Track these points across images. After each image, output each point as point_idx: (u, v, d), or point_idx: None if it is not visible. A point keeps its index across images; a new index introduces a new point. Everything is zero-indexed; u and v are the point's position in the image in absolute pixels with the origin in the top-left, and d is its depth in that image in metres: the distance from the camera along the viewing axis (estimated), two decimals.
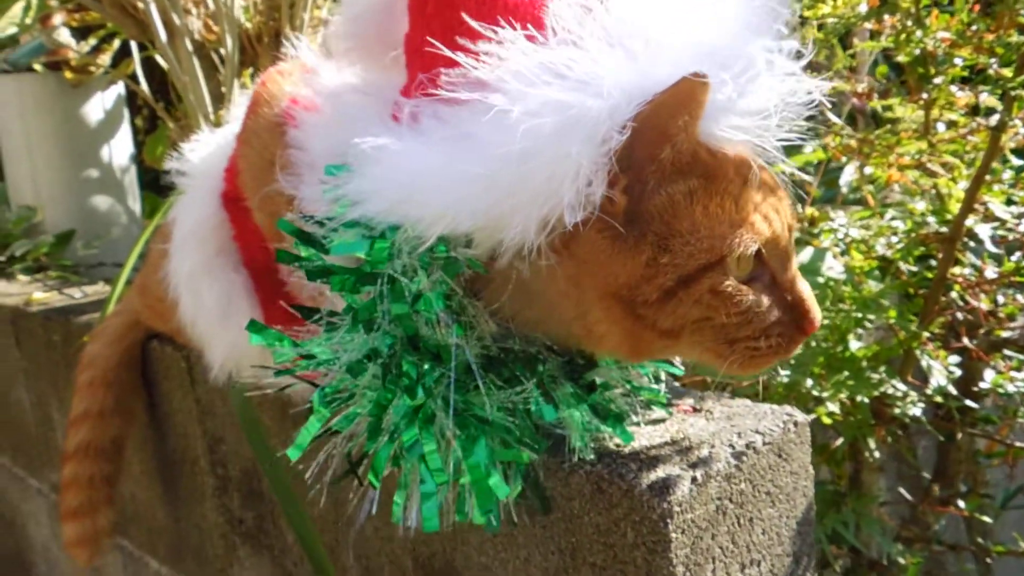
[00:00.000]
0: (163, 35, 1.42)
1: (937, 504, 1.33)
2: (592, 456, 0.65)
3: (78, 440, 1.13)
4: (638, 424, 0.70)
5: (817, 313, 0.61)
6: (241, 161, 0.80)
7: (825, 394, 1.05)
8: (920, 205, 1.18)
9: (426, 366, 0.62)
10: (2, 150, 2.24)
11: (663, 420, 0.72)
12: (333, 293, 0.65)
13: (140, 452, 1.29)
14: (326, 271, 0.64)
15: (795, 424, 0.71)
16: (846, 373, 1.05)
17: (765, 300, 0.60)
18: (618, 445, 0.68)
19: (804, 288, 0.62)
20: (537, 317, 0.64)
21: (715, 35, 0.58)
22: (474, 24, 0.58)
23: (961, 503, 1.22)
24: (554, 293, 0.61)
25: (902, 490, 1.44)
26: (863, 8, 1.04)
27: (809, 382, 1.08)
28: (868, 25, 1.01)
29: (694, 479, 0.63)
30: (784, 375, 1.10)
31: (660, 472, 0.63)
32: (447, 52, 0.59)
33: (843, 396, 1.04)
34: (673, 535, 0.61)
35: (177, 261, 0.86)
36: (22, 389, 1.67)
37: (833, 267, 1.34)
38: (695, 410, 0.74)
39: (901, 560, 1.20)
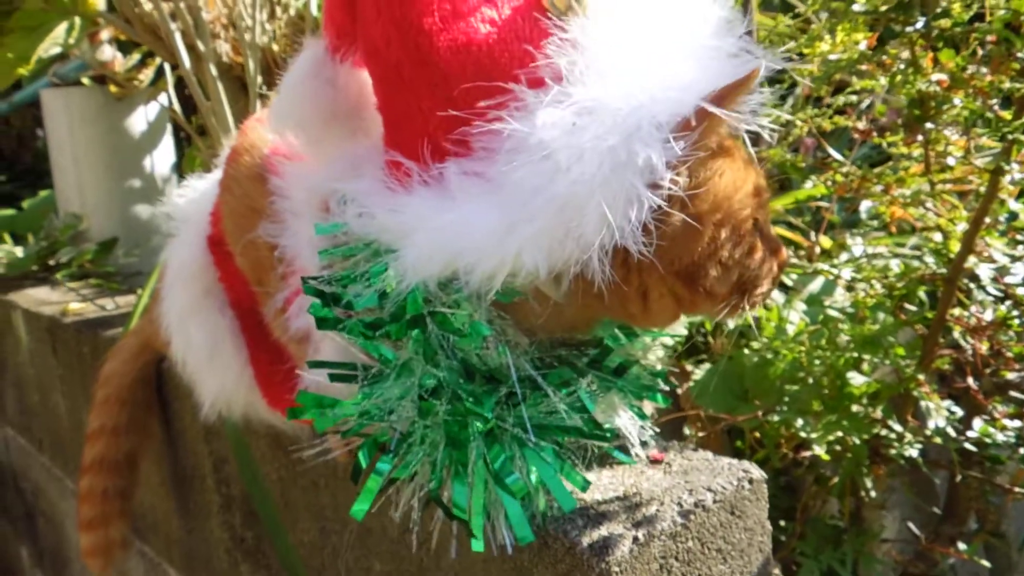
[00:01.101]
0: (187, 61, 1.47)
1: (947, 542, 1.31)
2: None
3: (94, 454, 1.18)
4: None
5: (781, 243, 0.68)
6: (223, 208, 0.84)
7: (814, 435, 1.04)
8: (936, 236, 1.17)
9: (481, 390, 0.63)
10: (51, 160, 2.33)
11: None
12: (341, 341, 0.67)
13: (157, 465, 1.34)
14: (372, 325, 0.64)
15: (750, 481, 0.72)
16: (836, 416, 1.05)
17: (760, 244, 0.66)
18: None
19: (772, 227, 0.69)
20: (570, 319, 0.67)
21: (691, 35, 0.61)
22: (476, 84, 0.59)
23: (962, 545, 1.20)
24: (607, 291, 0.62)
25: (911, 525, 1.42)
26: (863, 45, 1.04)
27: (800, 421, 1.07)
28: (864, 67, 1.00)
29: (635, 539, 0.64)
30: (777, 415, 1.10)
31: (603, 530, 0.65)
32: (444, 112, 0.60)
33: (832, 437, 1.03)
34: None
35: (167, 302, 0.90)
36: (59, 395, 1.75)
37: (840, 299, 1.33)
38: (655, 463, 0.75)
39: None
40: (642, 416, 0.75)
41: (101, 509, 1.18)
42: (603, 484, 0.72)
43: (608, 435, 0.68)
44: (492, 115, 0.58)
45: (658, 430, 0.78)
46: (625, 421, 0.74)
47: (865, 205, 1.58)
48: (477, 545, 0.63)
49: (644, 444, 0.75)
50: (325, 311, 0.64)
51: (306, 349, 0.78)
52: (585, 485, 0.66)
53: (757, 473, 0.72)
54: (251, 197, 0.79)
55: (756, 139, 0.68)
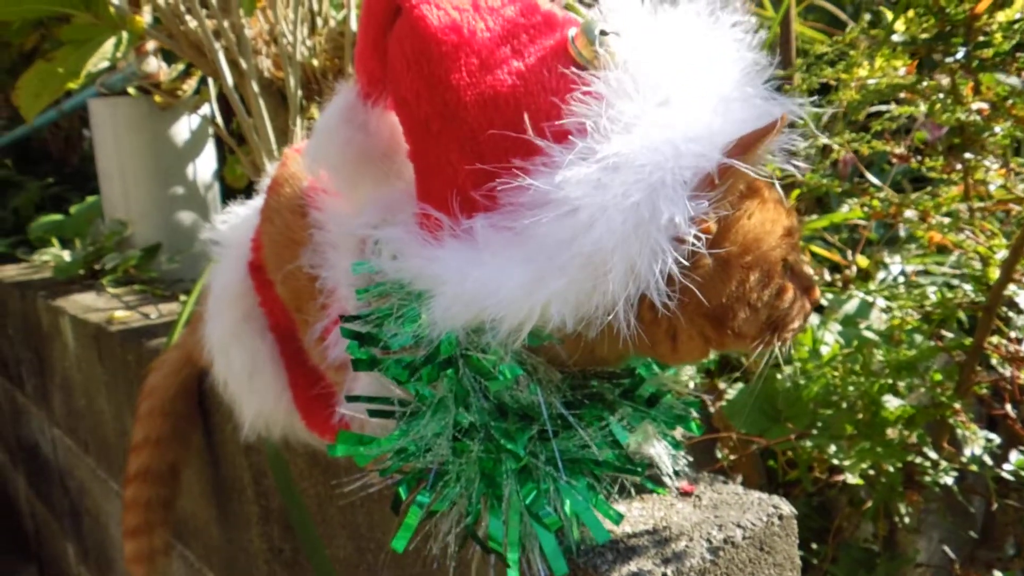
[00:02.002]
0: (230, 78, 1.50)
1: (982, 567, 1.30)
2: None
3: (138, 465, 1.22)
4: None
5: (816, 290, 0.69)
6: (264, 237, 0.86)
7: (847, 462, 1.04)
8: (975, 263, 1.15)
9: (514, 427, 0.65)
10: (98, 167, 2.39)
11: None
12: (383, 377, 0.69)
13: (199, 475, 1.38)
14: (408, 366, 0.66)
15: (780, 517, 0.72)
16: (870, 442, 1.04)
17: (791, 285, 0.66)
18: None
19: (805, 264, 0.69)
20: (601, 356, 0.68)
21: (716, 84, 0.61)
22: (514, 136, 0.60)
23: (997, 573, 1.19)
24: (637, 334, 0.63)
25: (947, 548, 1.41)
26: (902, 71, 1.03)
27: (833, 447, 1.07)
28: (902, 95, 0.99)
29: (664, 575, 0.65)
30: (810, 440, 1.10)
31: (633, 565, 0.66)
32: (471, 166, 0.62)
33: (865, 465, 1.03)
34: None
35: (210, 325, 0.93)
36: (104, 400, 1.80)
37: (876, 320, 1.32)
38: (686, 495, 0.76)
39: None
40: (676, 446, 0.76)
41: (145, 518, 1.21)
42: (633, 517, 0.73)
43: (639, 468, 0.69)
44: (519, 170, 0.59)
45: (691, 458, 0.79)
46: (659, 450, 0.75)
47: (908, 213, 1.56)
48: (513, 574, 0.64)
49: (676, 474, 0.76)
50: (362, 352, 0.66)
51: (344, 376, 0.80)
52: (618, 519, 0.68)
53: (787, 509, 0.73)
54: (291, 228, 0.81)
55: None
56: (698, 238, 0.58)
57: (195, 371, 1.26)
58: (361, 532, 0.97)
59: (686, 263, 0.58)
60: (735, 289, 0.62)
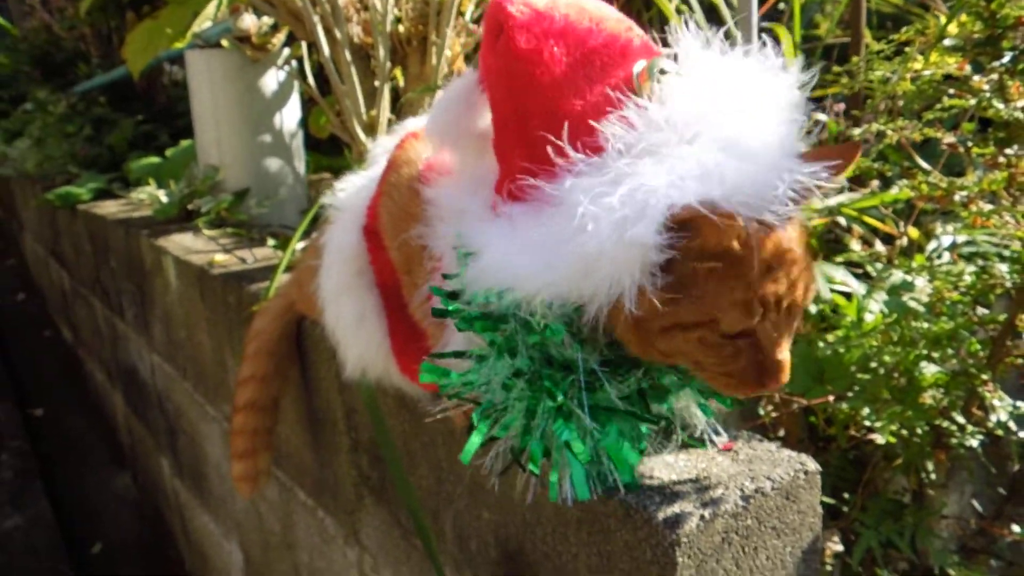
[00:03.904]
0: (326, 47, 1.63)
1: (1007, 521, 1.40)
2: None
3: (245, 398, 1.39)
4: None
5: (778, 380, 0.74)
6: (382, 210, 0.99)
7: (878, 423, 1.15)
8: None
9: (559, 375, 0.79)
10: (193, 114, 2.56)
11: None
12: (457, 325, 0.83)
13: (294, 405, 1.55)
14: (472, 319, 0.81)
15: (805, 472, 0.84)
16: (903, 406, 1.15)
17: (739, 355, 0.74)
18: (651, 476, 0.84)
19: (779, 356, 0.74)
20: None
21: (741, 130, 0.70)
22: (547, 140, 0.73)
23: (1016, 527, 1.29)
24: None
25: (975, 502, 1.51)
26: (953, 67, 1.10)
27: (866, 410, 1.18)
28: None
29: (703, 516, 0.78)
30: (847, 403, 1.21)
31: (676, 507, 0.79)
32: (524, 163, 0.75)
33: (895, 427, 1.14)
34: (680, 559, 0.77)
35: (325, 278, 1.07)
36: (204, 334, 1.99)
37: (921, 288, 1.41)
38: (726, 450, 0.89)
39: (952, 572, 1.29)
40: (707, 413, 0.88)
41: (251, 443, 1.39)
42: (679, 467, 0.86)
43: (656, 421, 0.82)
44: (549, 172, 0.72)
45: (722, 427, 0.90)
46: (696, 411, 0.88)
47: (954, 197, 1.63)
48: (552, 493, 0.80)
49: (709, 437, 0.88)
50: (448, 304, 0.81)
51: (442, 331, 0.94)
52: (629, 469, 0.80)
53: (812, 466, 0.85)
54: (408, 204, 0.94)
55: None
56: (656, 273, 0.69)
57: (295, 317, 1.42)
58: (442, 466, 1.12)
59: (647, 286, 0.69)
60: (658, 308, 0.71)
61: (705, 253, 0.71)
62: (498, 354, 0.80)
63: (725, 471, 0.85)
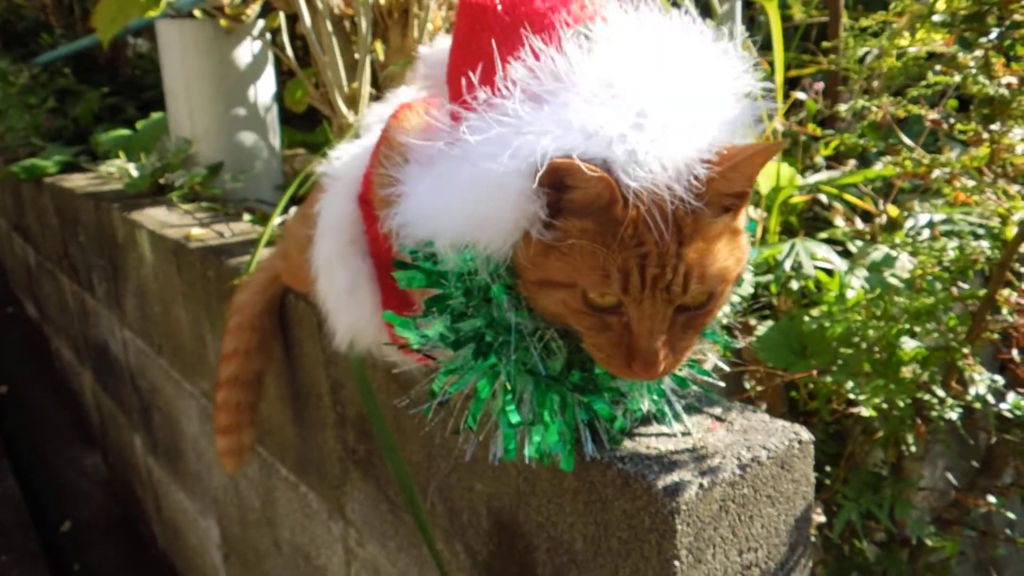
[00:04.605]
0: (307, 17, 1.60)
1: (981, 493, 1.44)
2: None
3: (228, 373, 1.38)
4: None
5: (649, 369, 0.74)
6: (376, 179, 0.98)
7: (862, 396, 1.17)
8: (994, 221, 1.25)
9: (498, 337, 0.80)
10: (164, 86, 2.50)
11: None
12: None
13: (276, 381, 1.54)
14: (410, 277, 0.84)
15: (799, 442, 0.86)
16: (884, 380, 1.17)
17: (608, 331, 0.75)
18: (648, 446, 0.85)
19: (651, 343, 0.73)
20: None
21: (655, 99, 0.71)
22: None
23: (991, 498, 1.33)
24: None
25: (950, 475, 1.55)
26: (940, 44, 1.12)
27: (850, 383, 1.20)
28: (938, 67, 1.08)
29: (701, 485, 0.79)
30: (830, 376, 1.23)
31: (675, 476, 0.80)
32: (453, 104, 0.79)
33: (878, 400, 1.16)
34: (679, 527, 0.78)
35: (318, 247, 1.06)
36: (181, 309, 1.96)
37: (901, 269, 1.43)
38: (720, 420, 0.90)
39: (929, 542, 1.33)
40: (683, 384, 0.89)
41: (235, 418, 1.38)
42: (676, 437, 0.87)
43: (591, 399, 0.83)
44: (469, 109, 0.74)
45: (721, 385, 0.92)
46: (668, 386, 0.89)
47: (936, 173, 1.65)
48: (511, 454, 0.81)
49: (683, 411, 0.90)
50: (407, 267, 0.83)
51: (425, 293, 0.94)
52: (555, 437, 0.82)
53: (805, 436, 0.86)
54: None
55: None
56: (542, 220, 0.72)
57: (279, 291, 1.40)
58: (433, 441, 1.12)
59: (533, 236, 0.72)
60: (531, 259, 0.74)
61: (578, 209, 0.72)
62: (438, 312, 0.82)
63: (721, 441, 0.86)
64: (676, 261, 0.71)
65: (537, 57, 0.73)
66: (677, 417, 0.88)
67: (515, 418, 0.80)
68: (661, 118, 0.70)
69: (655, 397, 0.86)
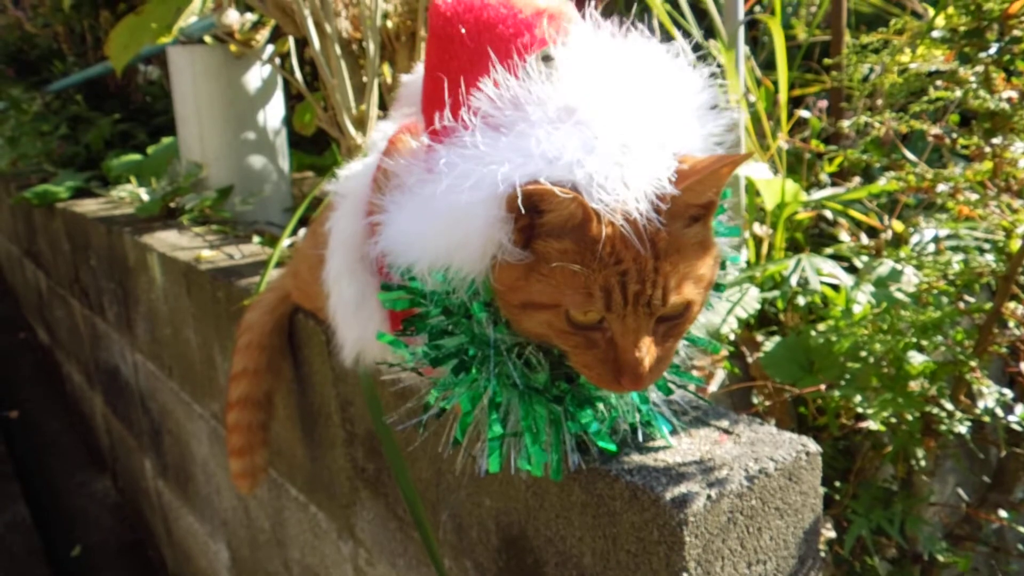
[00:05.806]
0: (316, 41, 1.63)
1: (992, 508, 1.43)
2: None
3: (239, 393, 1.39)
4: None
5: (636, 379, 0.75)
6: (372, 199, 1.00)
7: (871, 410, 1.17)
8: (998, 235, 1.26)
9: (479, 352, 0.82)
10: (175, 111, 2.54)
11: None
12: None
13: (285, 400, 1.55)
14: (392, 298, 0.87)
15: (807, 454, 0.86)
16: (893, 394, 1.17)
17: (593, 348, 0.76)
18: (656, 459, 0.85)
19: (635, 354, 0.74)
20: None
21: (619, 120, 0.72)
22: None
23: (1003, 512, 1.32)
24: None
25: (960, 491, 1.54)
26: (940, 59, 1.13)
27: (858, 398, 1.20)
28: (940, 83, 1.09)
29: (709, 496, 0.79)
30: (838, 390, 1.23)
31: (683, 488, 0.80)
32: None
33: (887, 413, 1.16)
34: (687, 539, 0.78)
35: (329, 264, 1.07)
36: (191, 331, 1.98)
37: (908, 279, 1.44)
38: (727, 433, 0.90)
39: (941, 558, 1.32)
40: (667, 391, 0.90)
41: (247, 439, 1.39)
42: (683, 449, 0.87)
43: (571, 411, 0.84)
44: (438, 141, 0.77)
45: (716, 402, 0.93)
46: (655, 398, 0.90)
47: (940, 188, 1.66)
48: (494, 466, 0.83)
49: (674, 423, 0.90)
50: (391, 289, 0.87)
51: None
52: (540, 454, 0.83)
53: (813, 447, 0.86)
54: None
55: None
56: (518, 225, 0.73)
57: (288, 310, 1.41)
58: (442, 457, 1.13)
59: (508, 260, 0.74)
60: (513, 282, 0.75)
61: (555, 231, 0.73)
62: (419, 329, 0.84)
63: (729, 453, 0.86)
64: (655, 275, 0.73)
65: (497, 85, 0.75)
66: (667, 425, 0.89)
67: (498, 429, 0.81)
68: (621, 139, 0.71)
69: (641, 407, 0.88)
